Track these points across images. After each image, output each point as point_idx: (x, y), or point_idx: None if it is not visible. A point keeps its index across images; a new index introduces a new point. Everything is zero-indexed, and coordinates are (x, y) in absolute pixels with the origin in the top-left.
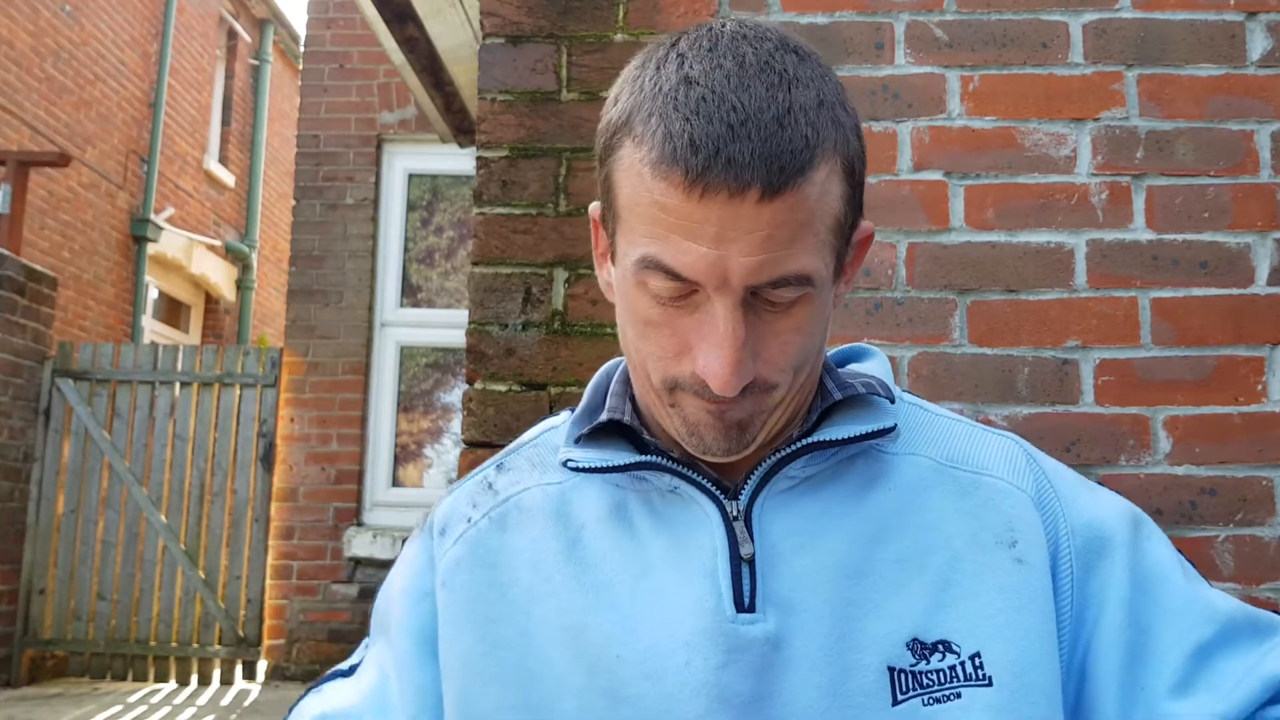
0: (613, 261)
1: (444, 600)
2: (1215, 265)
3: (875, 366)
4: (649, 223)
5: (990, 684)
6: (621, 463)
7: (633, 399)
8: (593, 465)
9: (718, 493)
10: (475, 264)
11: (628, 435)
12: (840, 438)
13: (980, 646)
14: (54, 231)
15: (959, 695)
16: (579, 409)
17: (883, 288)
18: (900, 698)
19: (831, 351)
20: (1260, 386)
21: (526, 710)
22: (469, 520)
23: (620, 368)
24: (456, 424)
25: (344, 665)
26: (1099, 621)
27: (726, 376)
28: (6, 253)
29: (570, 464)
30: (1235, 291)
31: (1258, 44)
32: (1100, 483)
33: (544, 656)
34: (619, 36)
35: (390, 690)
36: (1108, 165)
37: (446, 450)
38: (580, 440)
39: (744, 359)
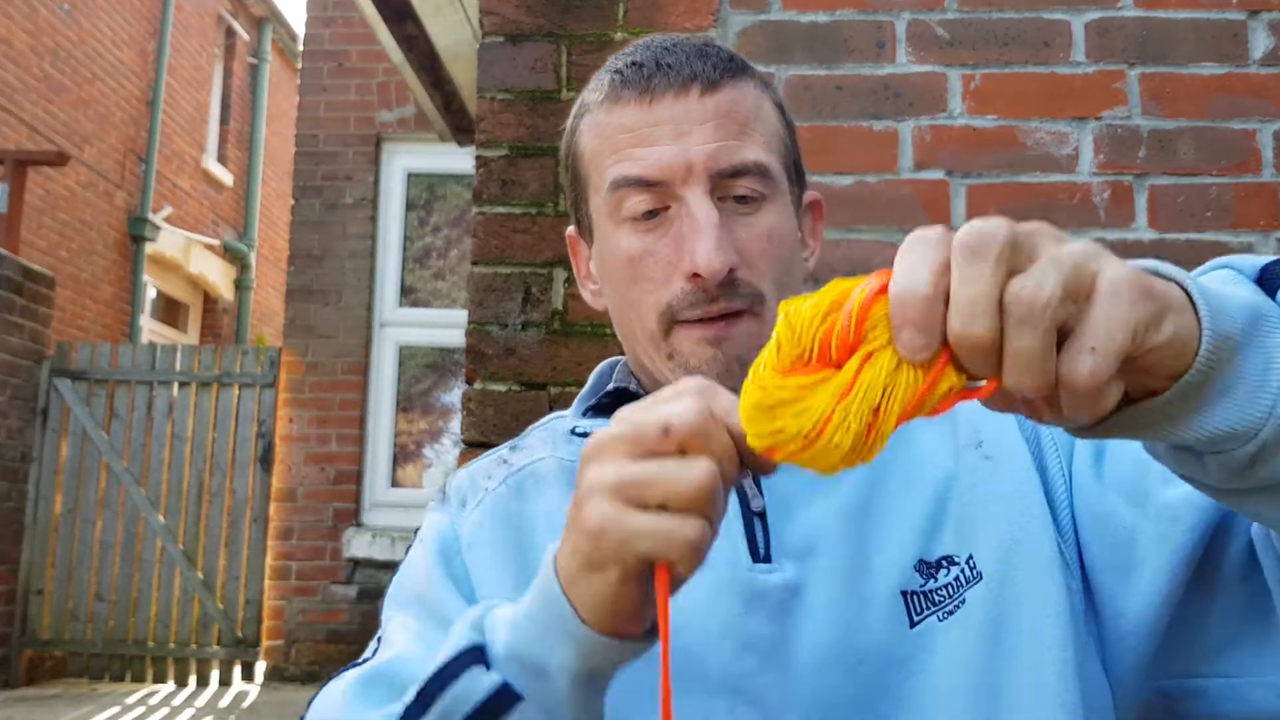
0: (592, 241)
1: (471, 561)
2: None
3: None
4: (613, 151)
5: (981, 578)
6: None
7: (637, 379)
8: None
9: None
10: (475, 263)
11: None
12: None
13: (972, 549)
14: (52, 231)
15: (964, 601)
16: (583, 391)
17: None
18: (916, 619)
19: None
20: None
21: None
22: (485, 489)
23: (621, 361)
24: (456, 424)
25: (359, 660)
26: (1074, 465)
27: (711, 253)
28: (4, 252)
29: (578, 430)
30: None
31: (1260, 43)
32: None
33: None
34: (619, 35)
35: (438, 641)
36: (1110, 164)
37: (446, 450)
38: (588, 413)
39: (723, 239)
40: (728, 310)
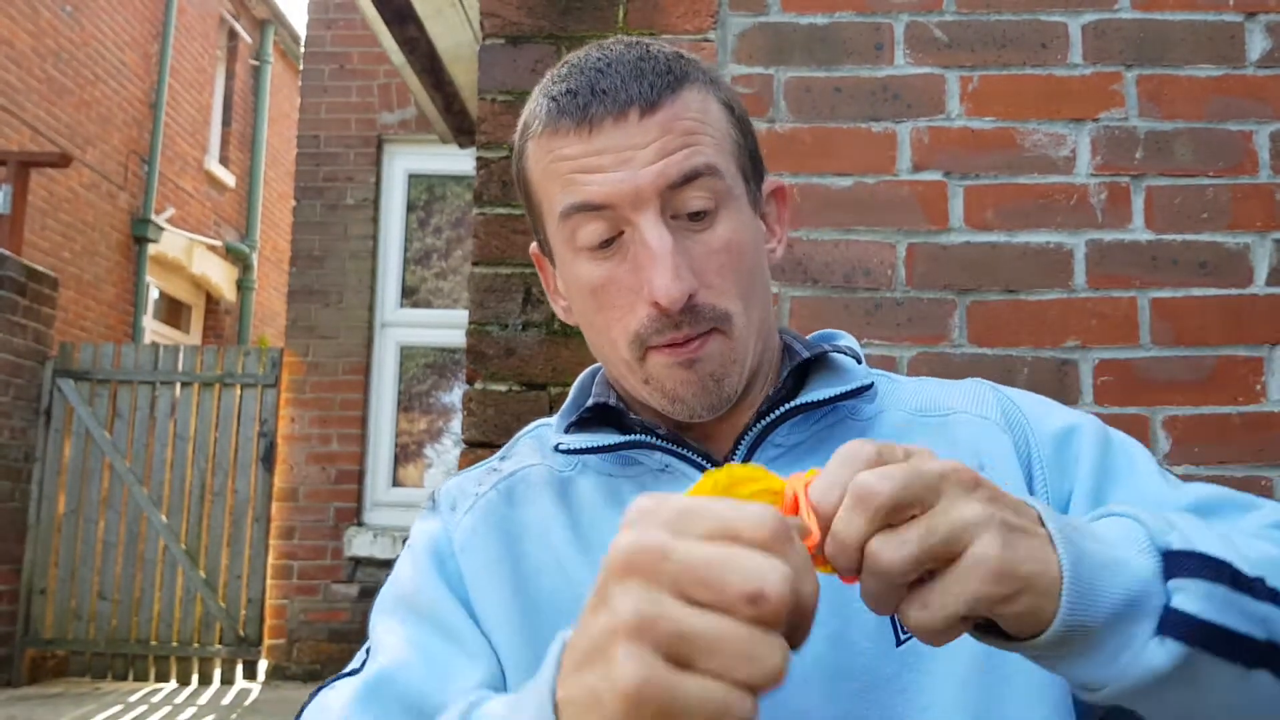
0: (554, 264)
1: (465, 564)
2: (1214, 265)
3: (844, 341)
4: (560, 180)
5: None
6: (611, 442)
7: (615, 390)
8: (584, 446)
9: (708, 466)
10: (475, 264)
11: (615, 424)
12: (822, 398)
13: None
14: (55, 232)
15: None
16: (565, 405)
17: (882, 288)
18: (903, 637)
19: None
20: (1259, 386)
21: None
22: (476, 494)
23: (600, 370)
24: (456, 424)
25: (347, 669)
26: (1069, 505)
27: (668, 283)
28: (7, 253)
29: (561, 447)
30: (1234, 292)
31: (1257, 44)
32: None
33: (554, 626)
34: (619, 37)
35: (433, 646)
36: (1107, 165)
37: (446, 450)
38: (570, 429)
39: (679, 265)
40: (692, 335)
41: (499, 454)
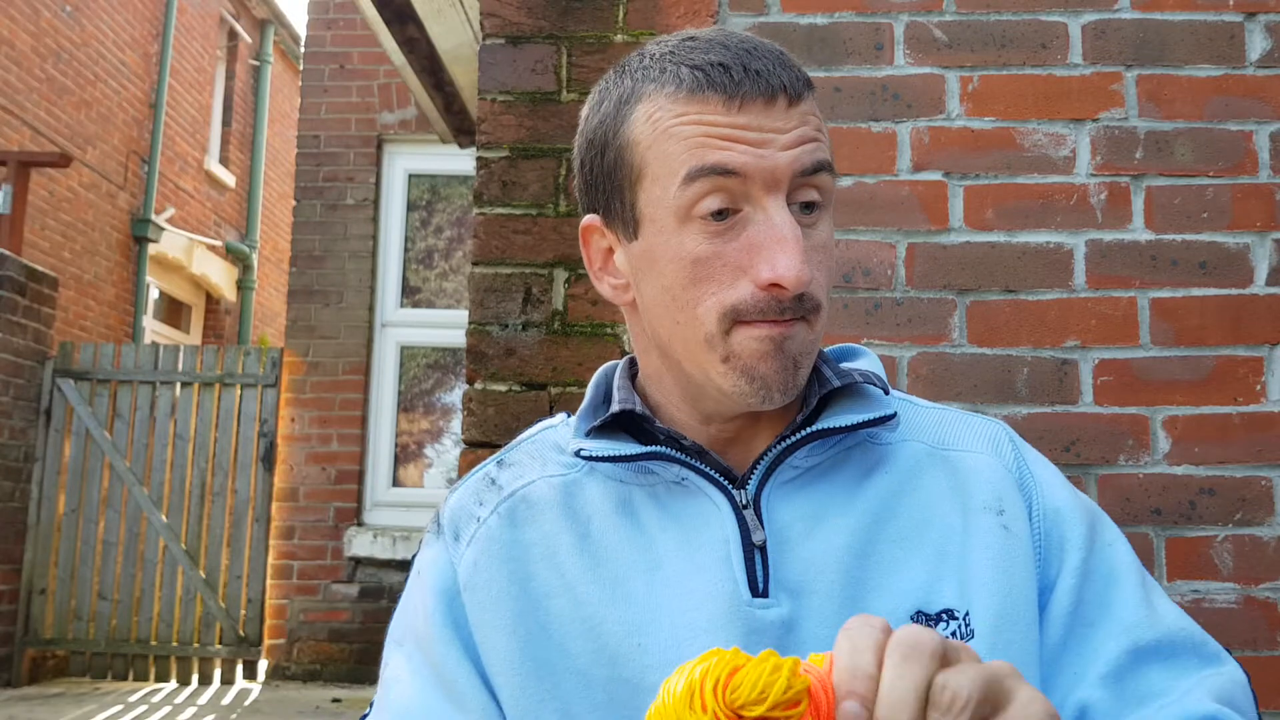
0: (635, 235)
1: (470, 603)
2: (1214, 265)
3: (867, 363)
4: (689, 143)
5: (974, 636)
6: (632, 452)
7: (639, 394)
8: (606, 454)
9: (725, 483)
10: (475, 264)
11: (632, 432)
12: (844, 425)
13: (970, 605)
14: (55, 232)
15: None
16: (583, 406)
17: (882, 288)
18: None
19: (825, 349)
20: (1259, 386)
21: (556, 700)
22: (478, 520)
23: (619, 367)
24: (456, 424)
25: (370, 707)
26: (1048, 606)
27: (799, 266)
28: (7, 253)
29: (583, 453)
30: (1234, 292)
31: (1257, 44)
32: (1099, 483)
33: (564, 649)
34: (619, 37)
35: (434, 705)
36: (1107, 165)
37: (447, 450)
38: (590, 434)
39: (804, 252)
40: (791, 319)
41: (496, 458)
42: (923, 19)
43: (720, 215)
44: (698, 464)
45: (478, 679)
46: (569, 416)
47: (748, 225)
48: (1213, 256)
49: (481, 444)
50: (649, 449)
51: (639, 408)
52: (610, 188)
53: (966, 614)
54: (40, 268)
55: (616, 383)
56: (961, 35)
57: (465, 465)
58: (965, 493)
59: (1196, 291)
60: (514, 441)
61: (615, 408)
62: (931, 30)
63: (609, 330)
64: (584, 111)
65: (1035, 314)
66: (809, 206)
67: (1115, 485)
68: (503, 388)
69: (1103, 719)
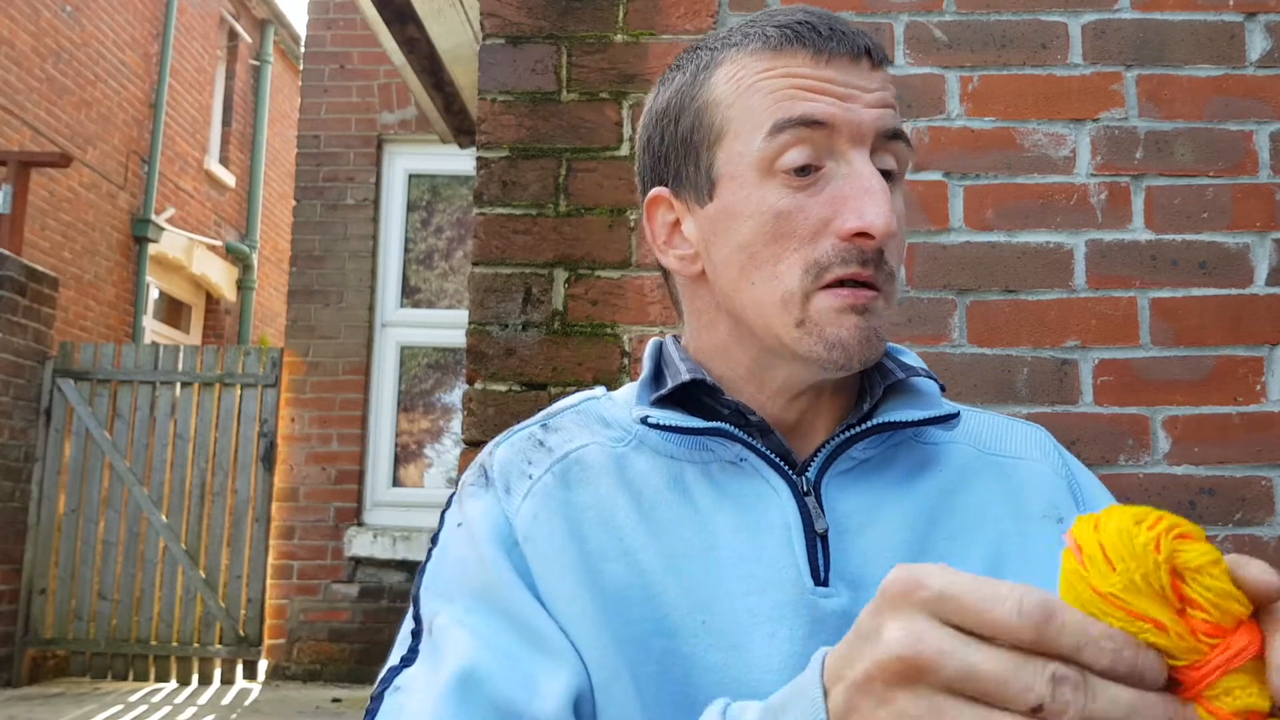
0: (710, 197)
1: (531, 554)
2: (1214, 265)
3: (912, 360)
4: (775, 95)
5: None
6: (698, 425)
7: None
8: (671, 424)
9: (785, 467)
10: (475, 264)
11: (688, 408)
12: (909, 419)
13: None
14: (55, 232)
15: None
16: (643, 377)
17: None
18: None
19: None
20: (1259, 386)
21: (618, 658)
22: (530, 477)
23: (668, 342)
24: (457, 424)
25: (395, 661)
26: None
27: (886, 214)
28: (8, 253)
29: (649, 420)
30: (1234, 292)
31: (1257, 44)
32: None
33: (621, 614)
34: (619, 37)
35: (514, 648)
36: (1107, 166)
37: (447, 450)
38: (655, 403)
39: (890, 202)
40: (872, 280)
41: (539, 420)
42: (923, 19)
43: (803, 171)
44: (759, 445)
45: (555, 624)
46: (608, 390)
47: (831, 180)
48: (1213, 256)
49: (481, 444)
50: (714, 424)
51: (709, 379)
52: (684, 154)
53: None
54: (40, 268)
55: (678, 355)
56: (961, 35)
57: (465, 466)
58: (1020, 500)
59: (1196, 291)
60: (554, 408)
61: (685, 376)
62: (931, 30)
63: (609, 330)
64: (649, 96)
65: (1035, 314)
66: (886, 175)
67: (1115, 485)
68: (503, 388)
69: None
